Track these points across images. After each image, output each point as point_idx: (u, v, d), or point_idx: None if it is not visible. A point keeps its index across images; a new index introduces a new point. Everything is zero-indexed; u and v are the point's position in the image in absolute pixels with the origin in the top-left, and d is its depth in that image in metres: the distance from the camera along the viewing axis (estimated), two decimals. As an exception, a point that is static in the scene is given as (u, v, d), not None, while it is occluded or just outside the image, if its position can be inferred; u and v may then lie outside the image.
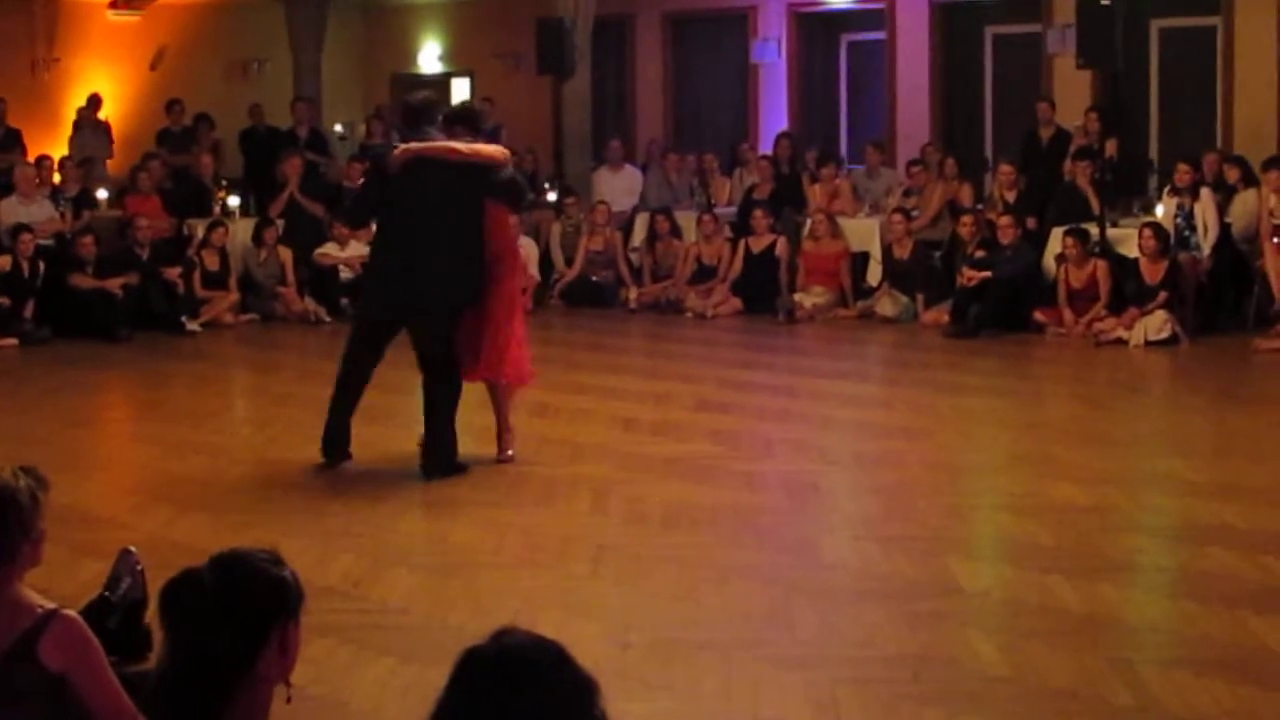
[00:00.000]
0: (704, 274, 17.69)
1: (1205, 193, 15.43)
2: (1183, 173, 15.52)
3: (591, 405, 12.25)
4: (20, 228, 16.08)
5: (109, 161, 19.97)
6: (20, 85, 20.15)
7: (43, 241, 16.43)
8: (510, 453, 10.21)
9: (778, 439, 11.12)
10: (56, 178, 18.37)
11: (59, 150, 19.36)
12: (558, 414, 11.93)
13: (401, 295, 9.62)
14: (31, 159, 18.25)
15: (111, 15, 21.85)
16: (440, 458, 9.79)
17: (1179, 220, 15.40)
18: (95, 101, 20.17)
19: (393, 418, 11.00)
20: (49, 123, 20.33)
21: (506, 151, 10.21)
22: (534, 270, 18.11)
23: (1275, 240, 14.79)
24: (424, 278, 9.56)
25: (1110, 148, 16.68)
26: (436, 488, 9.63)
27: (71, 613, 4.52)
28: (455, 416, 9.86)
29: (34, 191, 17.20)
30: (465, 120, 10.09)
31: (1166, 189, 15.90)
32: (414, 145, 9.53)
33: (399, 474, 9.93)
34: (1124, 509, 9.10)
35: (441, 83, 23.44)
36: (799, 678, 6.27)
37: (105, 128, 20.14)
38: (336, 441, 10.00)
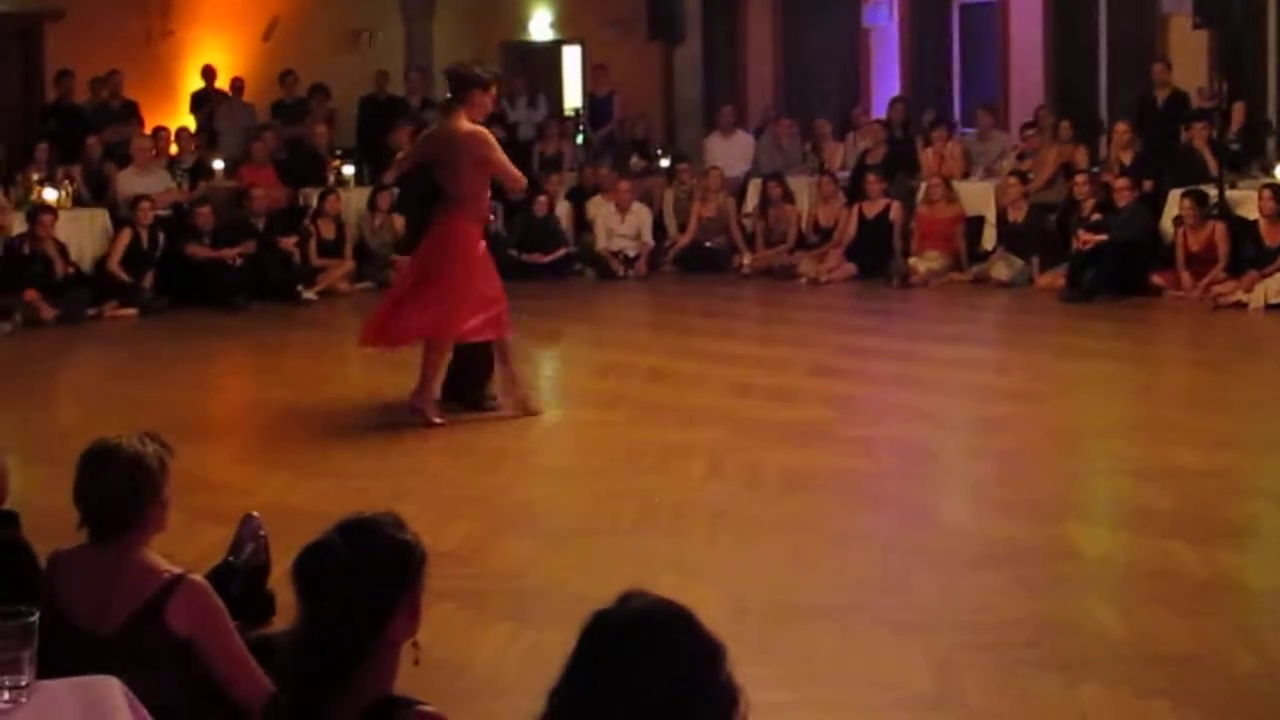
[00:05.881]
0: (820, 237, 17.64)
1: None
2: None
3: (706, 371, 12.26)
4: (139, 198, 16.27)
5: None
6: (136, 57, 20.30)
7: (160, 212, 16.61)
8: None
9: (892, 404, 11.09)
10: (174, 148, 18.56)
11: (174, 121, 19.53)
12: (672, 379, 11.95)
13: None
14: (147, 130, 18.48)
15: (224, -13, 22.02)
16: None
17: (1304, 180, 15.18)
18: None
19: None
20: (164, 94, 20.50)
21: None
22: (648, 236, 18.16)
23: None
24: None
25: (1237, 112, 16.45)
26: (553, 454, 9.71)
27: (198, 577, 4.57)
28: None
29: (151, 162, 17.39)
30: None
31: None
32: None
33: (515, 441, 10.00)
34: (1244, 473, 9.02)
35: (552, 50, 23.44)
36: (917, 643, 6.24)
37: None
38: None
